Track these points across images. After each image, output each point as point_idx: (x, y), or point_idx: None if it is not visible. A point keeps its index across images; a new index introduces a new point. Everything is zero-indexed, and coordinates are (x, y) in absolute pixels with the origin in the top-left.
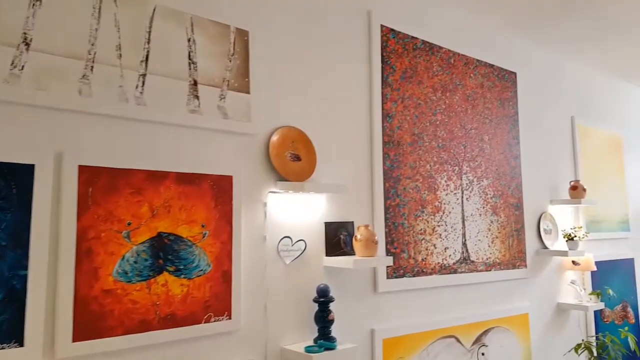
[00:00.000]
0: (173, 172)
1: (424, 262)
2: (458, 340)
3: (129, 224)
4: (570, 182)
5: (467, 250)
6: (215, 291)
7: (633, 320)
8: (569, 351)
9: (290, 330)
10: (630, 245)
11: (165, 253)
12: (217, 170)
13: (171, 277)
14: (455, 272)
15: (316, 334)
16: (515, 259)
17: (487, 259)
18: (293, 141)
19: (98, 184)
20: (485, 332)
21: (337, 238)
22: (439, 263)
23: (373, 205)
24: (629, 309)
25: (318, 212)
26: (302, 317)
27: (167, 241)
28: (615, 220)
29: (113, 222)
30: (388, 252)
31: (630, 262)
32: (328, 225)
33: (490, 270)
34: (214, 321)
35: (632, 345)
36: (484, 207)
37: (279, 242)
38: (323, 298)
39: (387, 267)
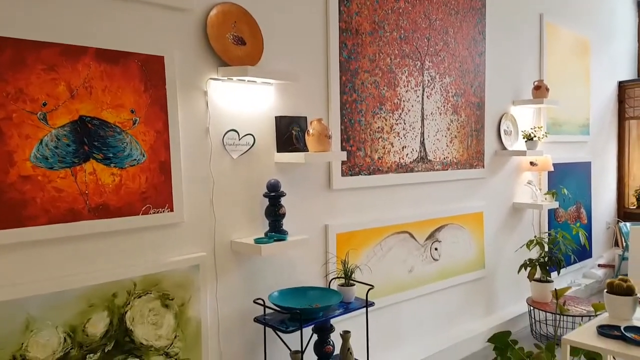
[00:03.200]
0: (92, 48)
1: (380, 161)
2: (412, 236)
3: (44, 104)
4: (535, 81)
5: (424, 150)
6: (153, 182)
7: (585, 221)
8: (521, 247)
9: (240, 225)
10: (588, 149)
11: (90, 139)
12: (145, 49)
13: (100, 165)
14: (412, 170)
15: (267, 229)
16: (473, 159)
17: (444, 158)
18: (235, 21)
19: (1, 58)
20: (439, 229)
21: (289, 133)
22: (395, 162)
23: (328, 100)
24: (582, 210)
25: (267, 105)
26: (253, 212)
27: (90, 126)
28: (576, 124)
29: (25, 102)
30: (343, 150)
31: (587, 166)
32: (279, 119)
33: (447, 170)
34: (154, 213)
35: (582, 239)
36: (444, 106)
37: (225, 135)
38: (274, 192)
39: (343, 165)
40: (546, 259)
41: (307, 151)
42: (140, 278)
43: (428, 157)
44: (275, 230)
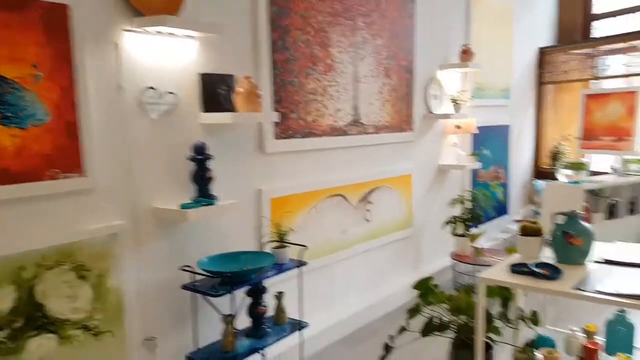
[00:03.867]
0: None
1: (314, 123)
2: (345, 199)
3: None
4: (462, 45)
5: (358, 113)
6: (59, 144)
7: (503, 180)
8: (445, 205)
9: (164, 191)
10: (508, 113)
11: None
12: None
13: None
14: (345, 134)
15: (195, 194)
16: (403, 122)
17: (377, 121)
18: None
19: None
20: (371, 191)
21: (216, 93)
22: (329, 125)
23: (258, 57)
24: (501, 170)
25: (191, 61)
26: (179, 177)
27: None
28: (498, 89)
29: None
30: (275, 112)
31: (506, 129)
32: (204, 77)
33: (379, 133)
34: (63, 178)
35: (500, 196)
36: (377, 69)
37: (141, 93)
38: (200, 155)
39: (276, 127)
40: (468, 215)
41: (236, 111)
42: (50, 249)
43: (361, 121)
44: (204, 196)
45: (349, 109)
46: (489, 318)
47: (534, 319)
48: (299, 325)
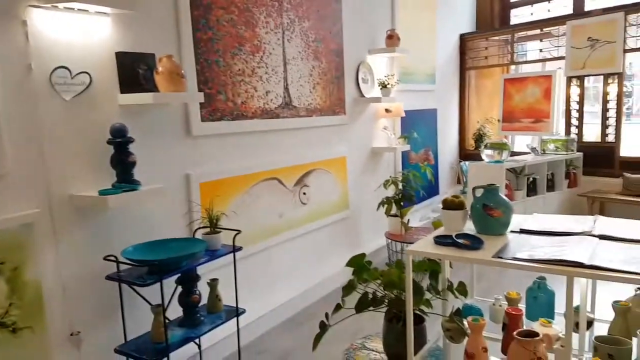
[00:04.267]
0: None
1: (244, 106)
2: (281, 182)
3: None
4: (387, 30)
5: (289, 95)
6: None
7: (433, 162)
8: (379, 187)
9: (82, 177)
10: (434, 97)
11: None
12: None
13: None
14: (277, 116)
15: (115, 179)
16: (335, 105)
17: (308, 104)
18: None
19: None
20: (307, 174)
21: (135, 72)
22: (260, 107)
23: (179, 35)
24: (430, 153)
25: (106, 39)
26: (97, 162)
27: None
28: (424, 73)
29: None
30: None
31: (434, 112)
32: (121, 56)
33: (311, 116)
34: None
35: (430, 176)
36: (305, 51)
37: (52, 73)
38: (119, 138)
39: (202, 109)
40: (400, 195)
41: (157, 92)
42: None
43: (293, 103)
44: (126, 181)
45: (279, 91)
46: (420, 291)
47: (462, 290)
48: (235, 312)
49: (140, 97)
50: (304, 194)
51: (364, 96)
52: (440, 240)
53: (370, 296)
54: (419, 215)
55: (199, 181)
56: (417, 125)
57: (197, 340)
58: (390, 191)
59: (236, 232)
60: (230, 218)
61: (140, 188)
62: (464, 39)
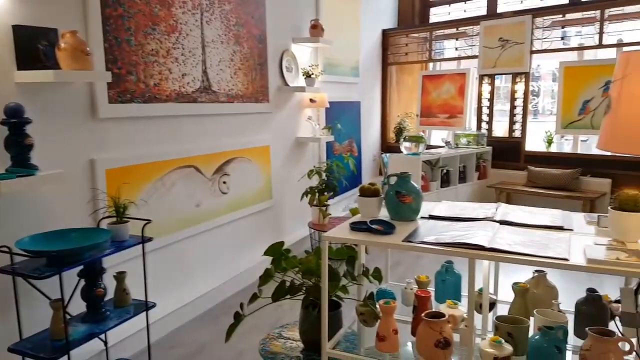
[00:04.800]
0: None
1: (157, 88)
2: (198, 170)
3: None
4: (311, 20)
5: (208, 79)
6: None
7: (356, 153)
8: (303, 177)
9: None
10: (358, 90)
11: None
12: None
13: None
14: (195, 101)
15: (10, 163)
16: (258, 93)
17: (229, 90)
18: None
19: None
20: (227, 163)
21: (34, 48)
22: (175, 90)
23: (86, 11)
24: (354, 144)
25: (0, 10)
26: None
27: None
28: (348, 66)
29: None
30: (111, 73)
31: (357, 105)
32: (18, 30)
33: (233, 102)
34: None
35: (352, 167)
36: (226, 35)
37: None
38: (14, 119)
39: (110, 89)
40: (324, 185)
41: (59, 69)
42: None
43: (212, 88)
44: (21, 165)
45: (197, 75)
46: (336, 277)
47: (377, 276)
48: (145, 306)
49: (40, 74)
50: (224, 183)
51: (288, 85)
52: (356, 226)
53: (288, 284)
54: (342, 205)
55: (105, 167)
56: (341, 116)
57: (103, 337)
58: (314, 181)
59: (146, 221)
60: (140, 207)
61: (38, 173)
62: (386, 34)
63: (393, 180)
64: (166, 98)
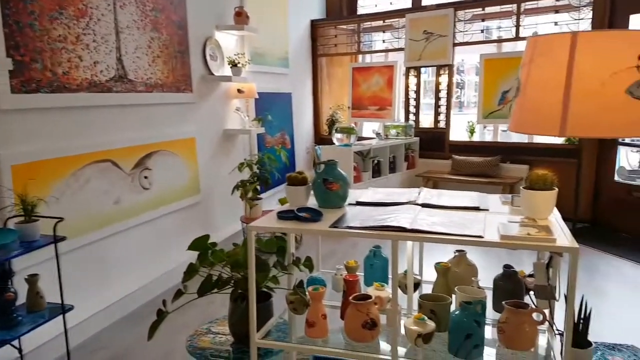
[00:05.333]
0: None
1: (66, 77)
2: (116, 164)
3: None
4: (235, 7)
5: (123, 68)
6: None
7: (289, 145)
8: (233, 170)
9: None
10: (289, 81)
11: None
12: None
13: None
14: (109, 90)
15: None
16: (180, 82)
17: (147, 79)
18: None
19: None
20: (148, 156)
21: None
22: (87, 79)
23: None
24: (286, 136)
25: None
26: None
27: None
28: (276, 56)
29: None
30: (12, 60)
31: (288, 96)
32: None
33: (152, 92)
34: None
35: (284, 159)
36: (142, 20)
37: None
38: None
39: (12, 78)
40: (255, 179)
41: None
42: None
43: (128, 77)
44: None
45: (111, 63)
46: (266, 268)
47: (309, 264)
48: (61, 310)
49: None
50: (146, 177)
51: (213, 74)
52: (283, 215)
53: (215, 278)
54: (276, 198)
55: (10, 163)
56: (272, 108)
57: (16, 344)
58: (246, 174)
59: (57, 220)
60: (51, 205)
61: None
62: (314, 25)
63: (321, 168)
64: (77, 87)
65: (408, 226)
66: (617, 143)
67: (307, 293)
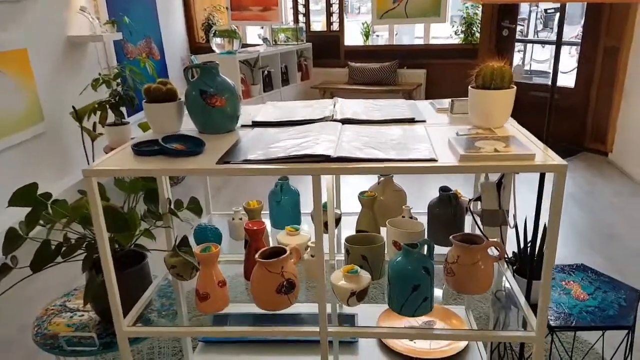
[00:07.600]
0: None
1: None
2: None
3: None
4: None
5: None
6: None
7: (158, 57)
8: (85, 89)
9: None
10: None
11: None
12: None
13: None
14: None
15: None
16: None
17: None
18: None
19: None
20: None
21: None
22: None
23: None
24: (153, 45)
25: None
26: None
27: None
28: None
29: None
30: None
31: None
32: None
33: None
34: None
35: (151, 72)
36: None
37: None
38: None
39: None
40: (117, 98)
41: None
42: None
43: None
44: None
45: None
46: (132, 221)
47: (195, 208)
48: None
49: None
50: None
51: None
52: (142, 149)
53: (55, 245)
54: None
55: None
56: (130, 9)
57: None
58: (104, 94)
59: None
60: None
61: None
62: None
63: (194, 74)
64: None
65: (333, 154)
66: (514, 40)
67: (194, 253)
